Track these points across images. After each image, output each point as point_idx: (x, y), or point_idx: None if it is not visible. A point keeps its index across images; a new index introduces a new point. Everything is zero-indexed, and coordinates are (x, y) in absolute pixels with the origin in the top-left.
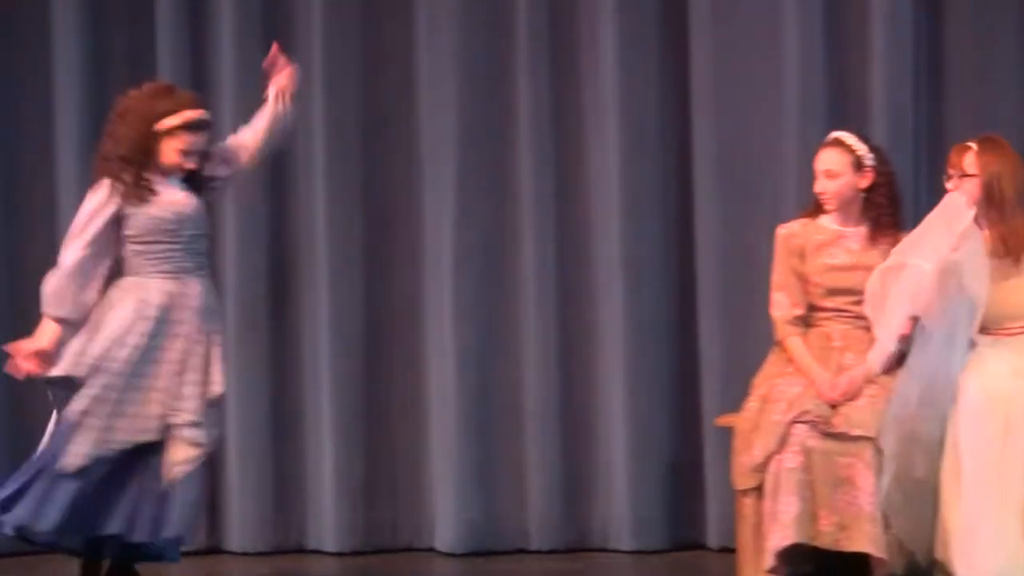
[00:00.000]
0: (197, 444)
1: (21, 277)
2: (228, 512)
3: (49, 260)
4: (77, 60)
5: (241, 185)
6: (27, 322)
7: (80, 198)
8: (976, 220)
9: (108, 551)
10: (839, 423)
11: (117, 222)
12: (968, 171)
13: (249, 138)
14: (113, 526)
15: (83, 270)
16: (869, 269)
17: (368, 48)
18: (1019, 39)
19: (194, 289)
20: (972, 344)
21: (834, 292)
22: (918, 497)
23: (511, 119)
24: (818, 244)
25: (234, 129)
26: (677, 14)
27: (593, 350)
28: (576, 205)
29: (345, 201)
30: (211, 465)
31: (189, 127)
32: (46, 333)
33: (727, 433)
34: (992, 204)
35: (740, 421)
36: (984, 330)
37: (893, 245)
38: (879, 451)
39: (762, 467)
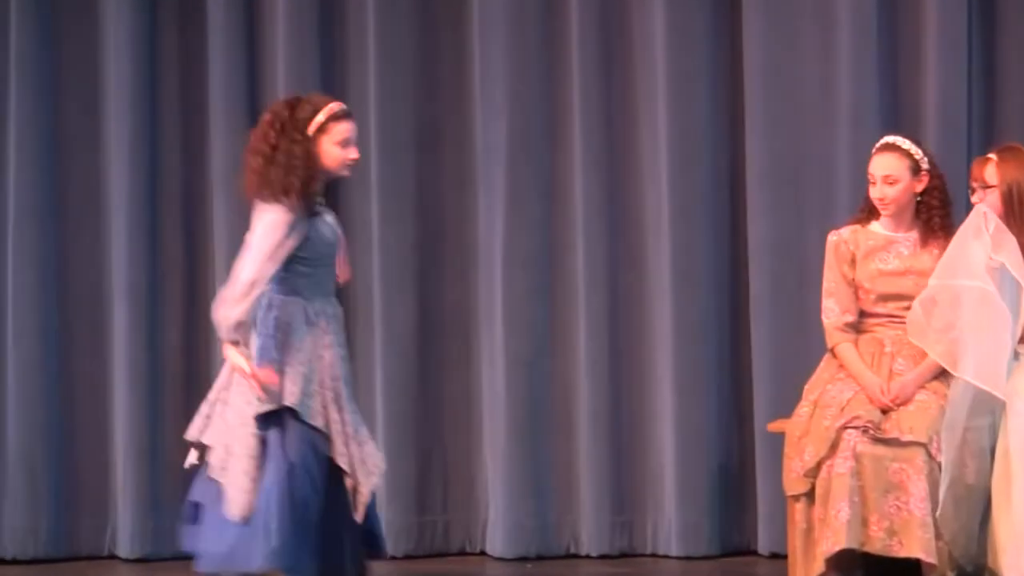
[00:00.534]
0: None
1: (67, 279)
2: None
3: (97, 259)
4: (127, 61)
5: None
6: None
7: (130, 198)
8: None
9: None
10: (890, 429)
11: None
12: (989, 182)
13: None
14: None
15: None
16: (921, 274)
17: (421, 55)
18: None
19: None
20: (1016, 354)
21: (885, 298)
22: (968, 504)
23: (562, 125)
24: (869, 249)
25: None
26: (729, 20)
27: (644, 356)
28: (627, 211)
29: (398, 206)
30: None
31: (337, 116)
32: (241, 359)
33: (778, 439)
34: (1012, 213)
35: (791, 426)
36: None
37: (944, 248)
38: (931, 457)
39: (813, 472)
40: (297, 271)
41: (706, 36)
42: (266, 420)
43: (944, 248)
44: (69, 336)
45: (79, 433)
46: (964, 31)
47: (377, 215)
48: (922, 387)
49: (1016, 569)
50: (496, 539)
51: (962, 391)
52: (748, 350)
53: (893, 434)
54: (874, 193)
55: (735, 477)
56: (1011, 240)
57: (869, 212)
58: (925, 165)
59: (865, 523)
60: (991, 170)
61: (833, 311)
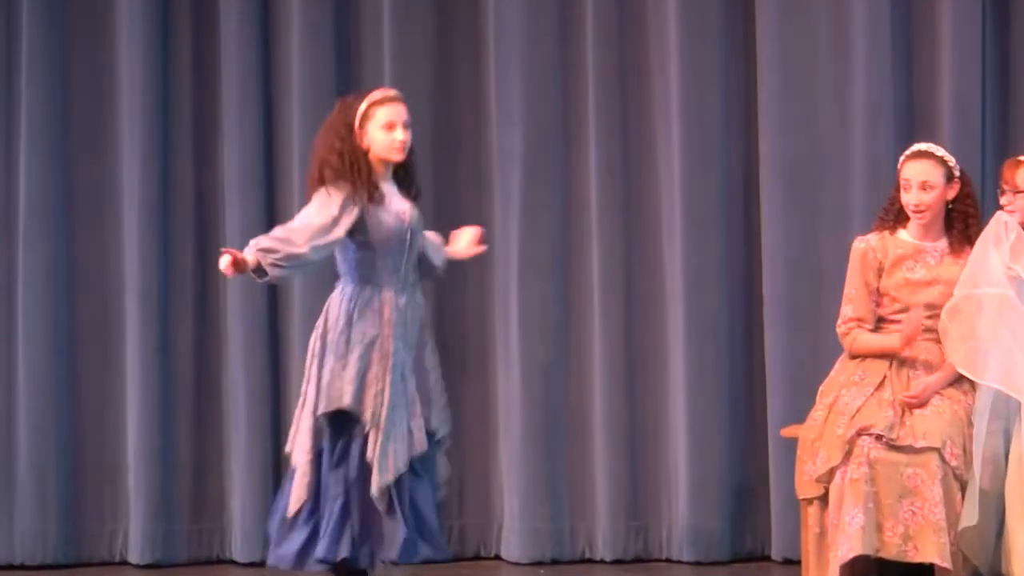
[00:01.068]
0: None
1: (78, 284)
2: None
3: (108, 264)
4: (141, 67)
5: None
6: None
7: (142, 203)
8: None
9: None
10: (904, 436)
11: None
12: (1020, 187)
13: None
14: None
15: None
16: (947, 284)
17: (437, 62)
18: None
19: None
20: None
21: (912, 307)
22: (983, 510)
23: (578, 130)
24: (897, 258)
25: (301, 140)
26: (743, 24)
27: (659, 361)
28: (642, 216)
29: None
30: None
31: (378, 102)
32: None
33: (791, 444)
34: None
35: (805, 430)
36: None
37: None
38: (944, 462)
39: (826, 478)
40: (361, 258)
41: (720, 41)
42: (327, 417)
43: None
44: (79, 341)
45: (89, 438)
46: (978, 32)
47: None
48: (939, 393)
49: None
50: (511, 543)
51: (984, 400)
52: (762, 355)
53: (907, 441)
54: (909, 199)
55: (749, 482)
56: None
57: (896, 218)
58: (957, 173)
59: (880, 529)
60: (1023, 174)
61: (850, 319)
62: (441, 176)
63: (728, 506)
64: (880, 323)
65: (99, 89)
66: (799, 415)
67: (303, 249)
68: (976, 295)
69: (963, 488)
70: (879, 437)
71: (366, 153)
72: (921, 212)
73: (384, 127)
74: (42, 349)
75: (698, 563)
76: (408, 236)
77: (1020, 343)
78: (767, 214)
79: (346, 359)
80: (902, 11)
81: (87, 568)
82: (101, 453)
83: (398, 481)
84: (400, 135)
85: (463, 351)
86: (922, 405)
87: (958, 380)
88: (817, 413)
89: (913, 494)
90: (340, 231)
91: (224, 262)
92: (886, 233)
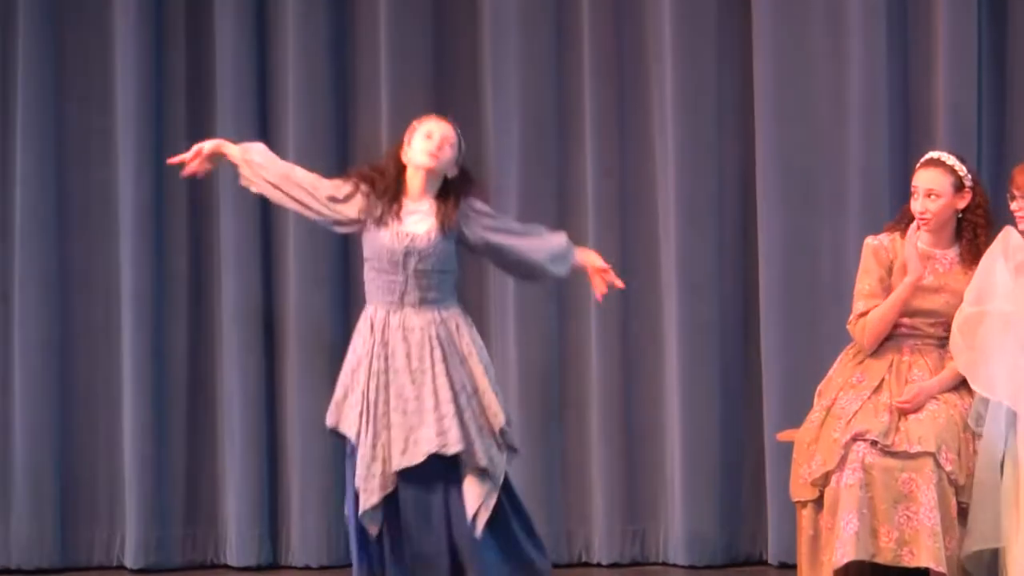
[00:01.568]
0: None
1: (74, 290)
2: (290, 528)
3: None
4: (135, 75)
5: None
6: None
7: (138, 210)
8: None
9: None
10: (899, 441)
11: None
12: None
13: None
14: None
15: (287, 179)
16: (955, 293)
17: (433, 62)
18: None
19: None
20: None
21: (915, 312)
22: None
23: (573, 129)
24: (906, 262)
25: (296, 146)
26: (740, 23)
27: (655, 361)
28: (638, 215)
29: None
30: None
31: (426, 118)
32: (234, 151)
33: (788, 448)
34: None
35: (801, 433)
36: None
37: None
38: (939, 467)
39: (821, 481)
40: (366, 274)
41: (717, 40)
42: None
43: None
44: (76, 346)
45: (86, 442)
46: (974, 33)
47: None
48: (935, 398)
49: None
50: None
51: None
52: (758, 357)
53: (902, 446)
54: (916, 206)
55: (746, 486)
56: None
57: (907, 223)
58: (968, 183)
59: (875, 534)
60: None
61: (861, 314)
62: None
63: (724, 510)
64: None
65: (94, 95)
66: (796, 418)
67: (287, 187)
68: (983, 312)
69: (958, 492)
70: (874, 443)
71: (403, 170)
72: (926, 220)
73: (424, 136)
74: (38, 354)
75: (694, 567)
76: (402, 258)
77: (1021, 358)
78: (763, 215)
79: (338, 378)
80: (898, 7)
81: (83, 572)
82: (97, 458)
83: (389, 500)
84: (434, 142)
85: None
86: (916, 410)
87: (958, 386)
88: (814, 415)
89: (908, 499)
90: (325, 209)
91: (208, 146)
92: (897, 235)
